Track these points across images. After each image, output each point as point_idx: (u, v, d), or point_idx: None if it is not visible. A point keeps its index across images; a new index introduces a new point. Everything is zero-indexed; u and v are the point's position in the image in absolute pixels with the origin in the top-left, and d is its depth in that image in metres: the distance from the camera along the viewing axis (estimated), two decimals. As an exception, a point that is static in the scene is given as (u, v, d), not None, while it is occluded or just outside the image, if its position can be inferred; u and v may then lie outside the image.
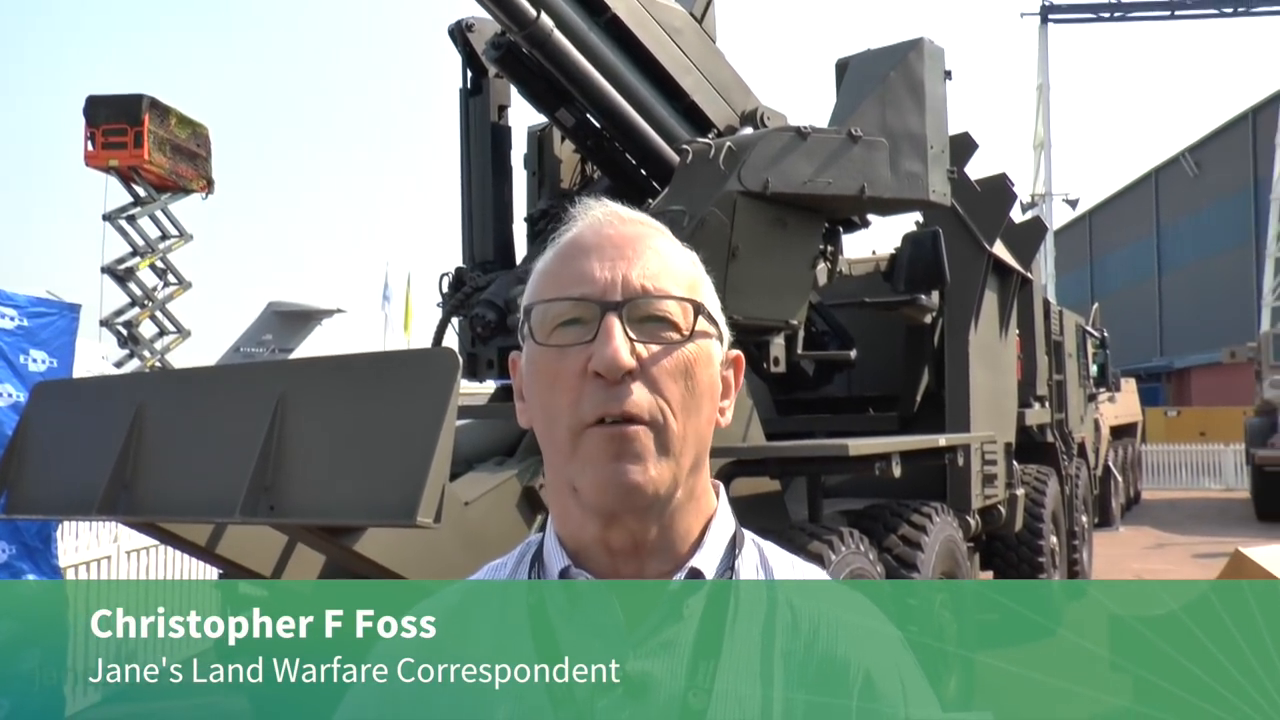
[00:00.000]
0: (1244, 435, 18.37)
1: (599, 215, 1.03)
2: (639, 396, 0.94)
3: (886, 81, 5.28)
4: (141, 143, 22.92)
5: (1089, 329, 12.91)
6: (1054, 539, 8.82)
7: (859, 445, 4.59)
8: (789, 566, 1.09)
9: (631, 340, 0.95)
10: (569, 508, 1.01)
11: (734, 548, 1.06)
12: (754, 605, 1.02)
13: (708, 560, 1.02)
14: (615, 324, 0.94)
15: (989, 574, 8.58)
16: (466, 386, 2.79)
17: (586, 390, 0.94)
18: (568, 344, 0.96)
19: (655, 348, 0.96)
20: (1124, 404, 18.00)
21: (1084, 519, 10.70)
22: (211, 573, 5.23)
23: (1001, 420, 7.42)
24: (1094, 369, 13.07)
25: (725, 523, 1.07)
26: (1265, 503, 17.24)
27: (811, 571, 1.10)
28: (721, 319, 1.05)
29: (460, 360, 2.66)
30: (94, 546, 7.30)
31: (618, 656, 0.97)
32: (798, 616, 1.02)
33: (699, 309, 0.99)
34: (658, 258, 1.00)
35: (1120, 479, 17.01)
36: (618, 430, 0.94)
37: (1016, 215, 7.90)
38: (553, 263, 1.02)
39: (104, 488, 2.97)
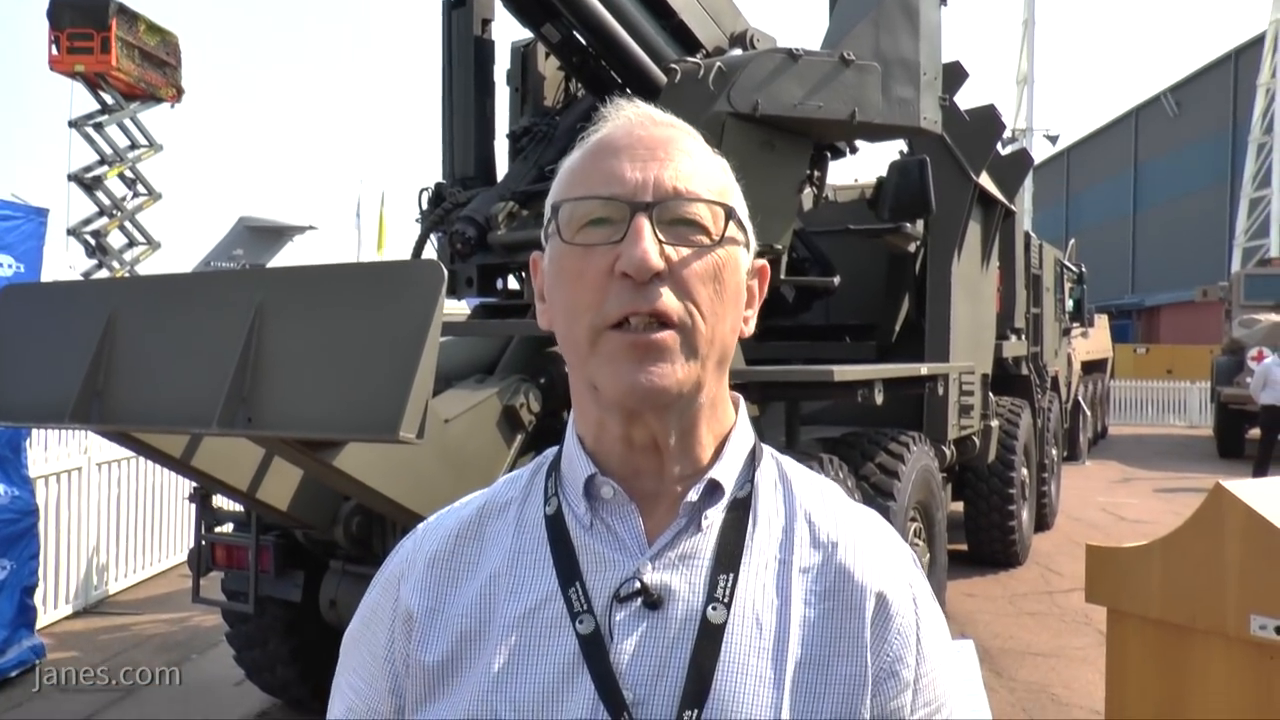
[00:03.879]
0: (1211, 373, 18.62)
1: (630, 115, 1.00)
2: (667, 299, 0.92)
3: (881, 5, 5.17)
4: (109, 48, 22.32)
5: (1067, 264, 12.96)
6: (1025, 471, 8.94)
7: (844, 371, 4.58)
8: (808, 482, 1.07)
9: (661, 242, 0.92)
10: (588, 407, 1.00)
11: (753, 460, 1.05)
12: (772, 519, 1.01)
13: (727, 472, 1.00)
14: (645, 225, 0.91)
15: (960, 504, 8.71)
16: (445, 304, 2.73)
17: (613, 290, 0.92)
18: (595, 243, 0.94)
19: (685, 250, 0.93)
20: (1096, 339, 18.18)
21: (1054, 452, 10.85)
22: (186, 486, 5.21)
23: (979, 351, 7.46)
24: (1070, 304, 13.15)
25: (745, 436, 1.05)
26: (1227, 439, 17.60)
27: (828, 487, 1.08)
28: (750, 227, 1.02)
29: (445, 272, 2.59)
30: (64, 458, 7.24)
31: (636, 568, 0.95)
32: (815, 531, 1.01)
33: (730, 213, 0.97)
34: (690, 160, 0.96)
35: (1089, 413, 17.24)
36: (643, 338, 0.91)
37: (999, 148, 7.85)
38: (582, 161, 0.99)
39: (76, 395, 2.89)
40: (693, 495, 0.98)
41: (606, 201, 0.94)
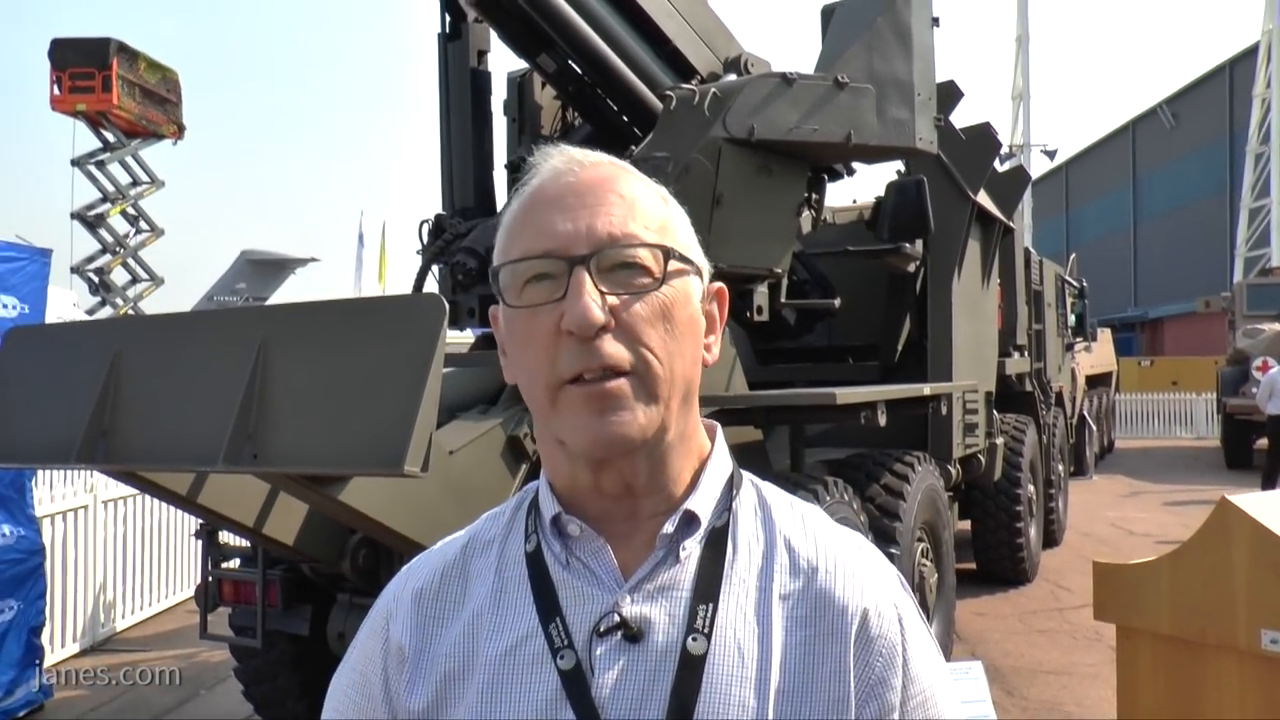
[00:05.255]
0: (1216, 384, 18.58)
1: (557, 164, 0.99)
2: (616, 350, 0.91)
3: (873, 27, 5.21)
4: (110, 87, 22.51)
5: (1068, 279, 12.96)
6: (1031, 488, 8.91)
7: (846, 394, 4.59)
8: (788, 507, 1.06)
9: (603, 293, 0.92)
10: (558, 459, 1.00)
11: (731, 489, 1.04)
12: (752, 546, 1.01)
13: (703, 502, 1.00)
14: (585, 279, 0.91)
15: (967, 523, 8.68)
16: (447, 335, 2.74)
17: (562, 348, 0.92)
18: (539, 303, 0.93)
19: (629, 297, 0.93)
20: (1099, 353, 18.17)
21: (1060, 468, 10.82)
22: (192, 523, 5.21)
23: (982, 369, 7.46)
24: (1072, 319, 13.14)
25: (721, 465, 1.05)
26: (1234, 451, 17.52)
27: (811, 512, 1.07)
28: (698, 254, 1.02)
29: (446, 306, 2.61)
30: (70, 497, 7.25)
31: (615, 601, 0.95)
32: (795, 557, 1.00)
33: (669, 253, 0.96)
34: (622, 202, 0.96)
35: (1095, 428, 17.20)
36: (598, 389, 0.91)
37: (996, 165, 7.88)
38: (516, 218, 0.99)
39: (82, 435, 2.90)
40: (668, 527, 0.98)
41: (543, 259, 0.94)
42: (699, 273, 1.01)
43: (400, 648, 1.01)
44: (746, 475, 1.08)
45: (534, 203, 0.97)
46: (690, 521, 0.99)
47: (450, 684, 0.97)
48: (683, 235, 1.00)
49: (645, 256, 0.94)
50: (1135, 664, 3.27)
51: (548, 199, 0.96)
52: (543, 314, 0.93)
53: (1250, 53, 36.65)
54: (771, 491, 1.07)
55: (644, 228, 0.95)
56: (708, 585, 0.96)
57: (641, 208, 0.96)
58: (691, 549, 0.98)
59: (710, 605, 0.95)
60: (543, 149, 1.02)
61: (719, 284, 1.05)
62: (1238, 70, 38.50)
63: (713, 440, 1.06)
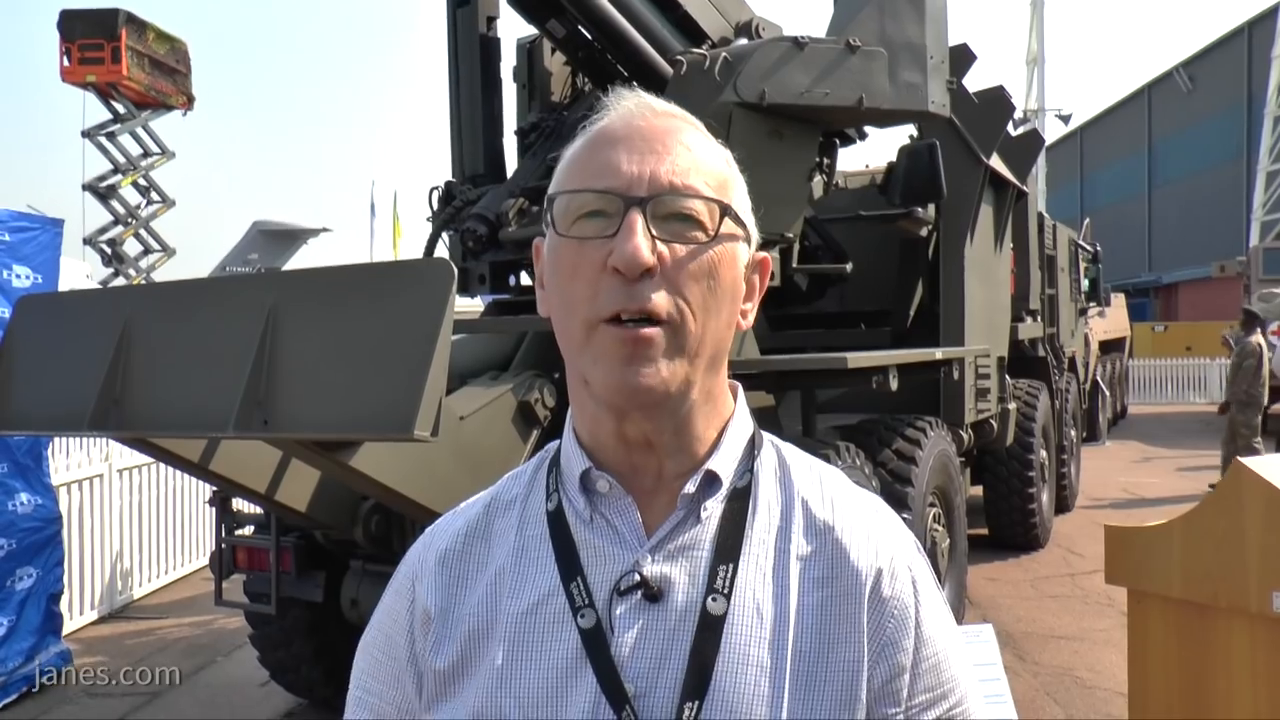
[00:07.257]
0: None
1: (630, 106, 0.99)
2: (657, 296, 0.90)
3: None
4: (119, 58, 22.42)
5: (1081, 243, 12.88)
6: (1044, 453, 8.90)
7: (857, 358, 4.58)
8: (806, 468, 1.06)
9: (654, 238, 0.90)
10: (584, 401, 0.99)
11: (752, 450, 1.04)
12: (771, 507, 1.01)
13: (724, 463, 1.00)
14: (638, 220, 0.90)
15: (979, 489, 8.68)
16: (458, 302, 2.74)
17: (604, 285, 0.91)
18: (589, 236, 0.92)
19: (679, 247, 0.92)
20: (1113, 319, 18.07)
21: (1073, 433, 10.80)
22: (207, 490, 5.24)
23: (995, 334, 7.43)
24: (1085, 284, 13.07)
25: (743, 425, 1.05)
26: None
27: (830, 474, 1.07)
28: (750, 221, 1.01)
29: (455, 271, 2.60)
30: (86, 465, 7.30)
31: (636, 560, 0.95)
32: (811, 518, 1.00)
33: (725, 210, 0.95)
34: (688, 154, 0.95)
35: (1108, 394, 17.14)
36: (632, 333, 0.90)
37: (1009, 129, 7.81)
38: (580, 152, 0.98)
39: (94, 403, 2.92)
40: (690, 487, 0.97)
41: (601, 195, 0.93)
42: (748, 240, 1.00)
43: (426, 610, 1.01)
44: (767, 436, 1.07)
45: (601, 139, 0.97)
46: (712, 481, 0.99)
47: (473, 643, 0.97)
48: (740, 199, 0.99)
49: (701, 210, 0.93)
50: (1146, 628, 3.26)
51: (615, 138, 0.96)
52: (591, 248, 0.92)
53: (1269, 14, 36.13)
54: (791, 452, 1.07)
55: (704, 183, 0.94)
56: (728, 546, 0.96)
57: (705, 163, 0.96)
58: (713, 509, 0.98)
59: (730, 565, 0.95)
60: (617, 91, 1.02)
61: (764, 254, 1.05)
62: (1256, 32, 37.96)
63: (734, 400, 1.06)
